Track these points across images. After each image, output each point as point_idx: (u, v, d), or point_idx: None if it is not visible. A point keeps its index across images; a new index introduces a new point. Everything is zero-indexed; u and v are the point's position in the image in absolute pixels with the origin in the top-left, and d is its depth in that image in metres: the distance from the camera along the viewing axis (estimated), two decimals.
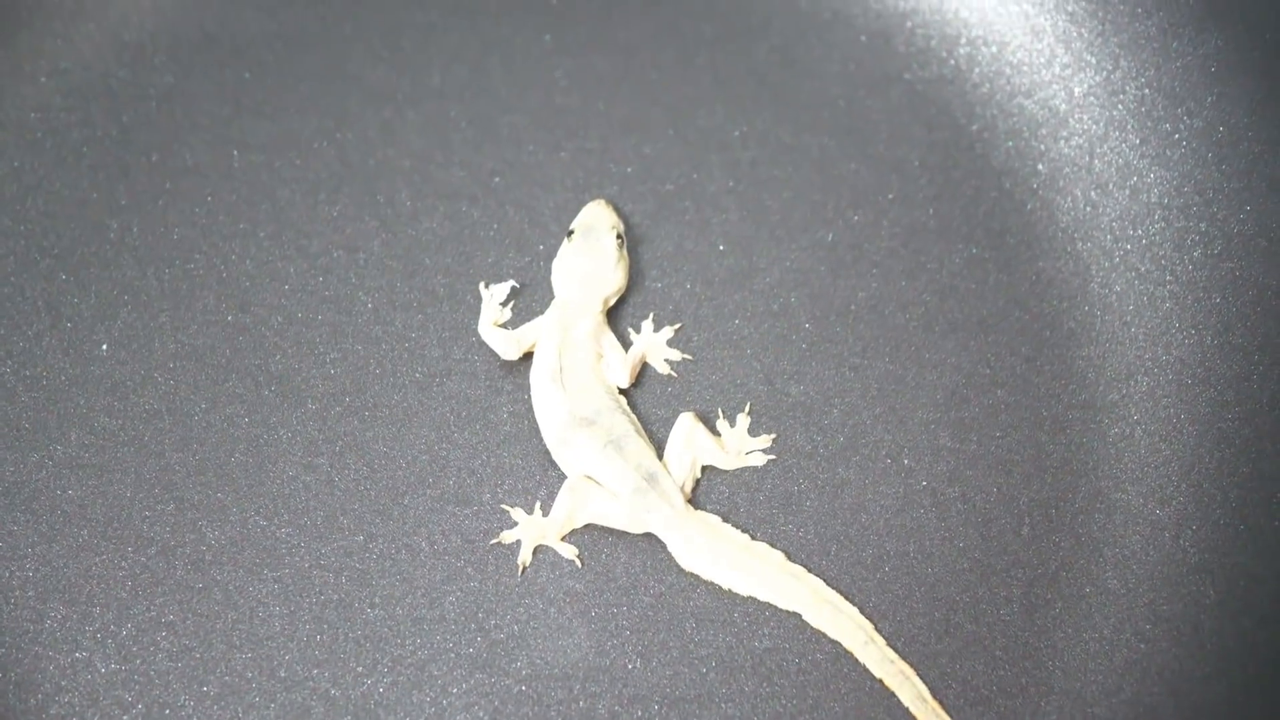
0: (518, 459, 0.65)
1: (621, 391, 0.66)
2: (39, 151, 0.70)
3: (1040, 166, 0.70)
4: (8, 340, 0.67)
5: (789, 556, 0.65)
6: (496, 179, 0.72)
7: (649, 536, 0.64)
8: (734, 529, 0.64)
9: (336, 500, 0.65)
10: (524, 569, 0.65)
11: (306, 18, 0.76)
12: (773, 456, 0.67)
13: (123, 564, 0.64)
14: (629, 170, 0.70)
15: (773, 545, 0.65)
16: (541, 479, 0.66)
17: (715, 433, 0.66)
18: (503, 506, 0.65)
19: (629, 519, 0.64)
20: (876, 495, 0.66)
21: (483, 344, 0.68)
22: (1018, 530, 0.64)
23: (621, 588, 0.62)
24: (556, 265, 0.68)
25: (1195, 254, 0.68)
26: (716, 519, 0.64)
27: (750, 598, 0.64)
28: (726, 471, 0.66)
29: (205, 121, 0.71)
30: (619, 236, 0.68)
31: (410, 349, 0.67)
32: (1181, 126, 0.70)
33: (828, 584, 0.64)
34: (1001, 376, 0.67)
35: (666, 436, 0.66)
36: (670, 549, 0.64)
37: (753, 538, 0.65)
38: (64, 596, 0.64)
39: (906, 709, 0.62)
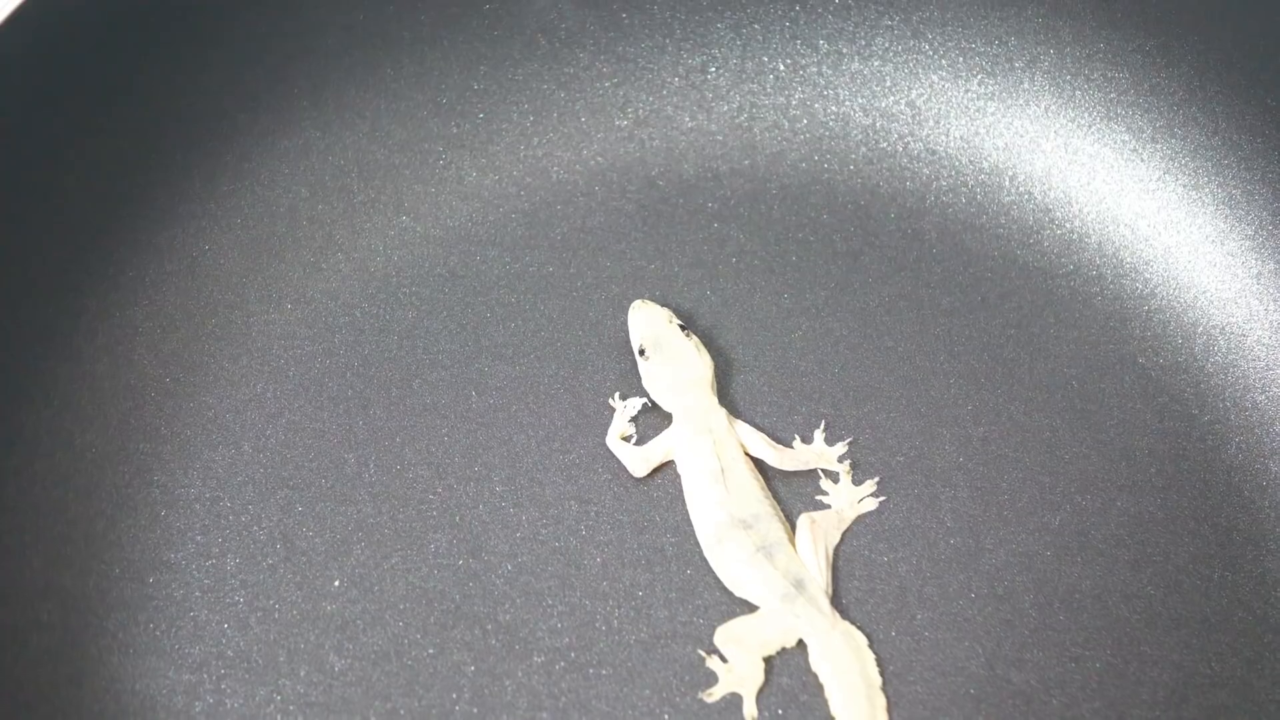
0: None
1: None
2: (281, 380, 0.72)
3: (1271, 465, 0.70)
4: (243, 570, 0.68)
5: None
6: None
7: None
8: (873, 659, 0.66)
9: None
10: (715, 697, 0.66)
11: (548, 260, 0.77)
12: (883, 498, 0.70)
13: None
14: (861, 438, 0.70)
15: None
16: None
17: (825, 505, 0.69)
18: (707, 665, 0.67)
19: (781, 631, 0.66)
20: None
21: (708, 607, 0.69)
22: None
23: None
24: (652, 387, 0.71)
25: None
26: (863, 638, 0.66)
27: None
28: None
29: (445, 360, 0.72)
30: (681, 327, 0.71)
31: (636, 608, 0.67)
32: None
33: None
34: (1222, 677, 0.67)
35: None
36: (810, 652, 0.66)
37: None
38: None
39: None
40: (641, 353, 0.71)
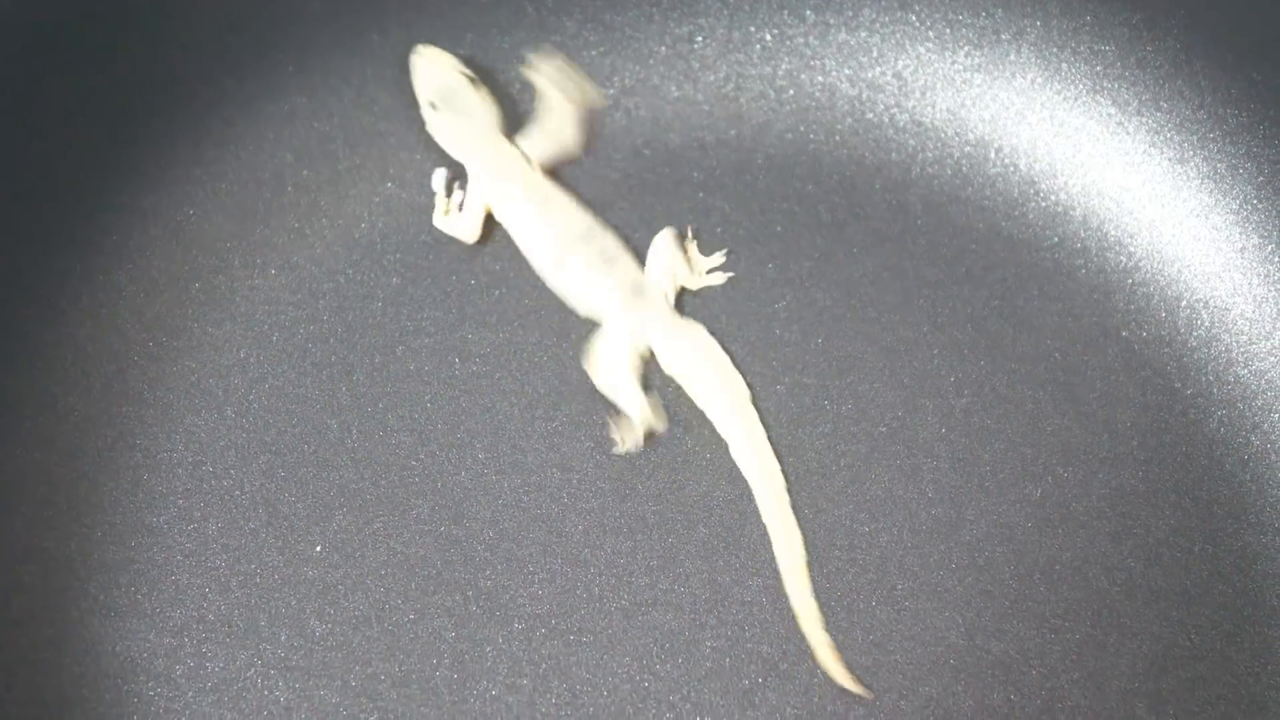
0: (718, 696, 0.65)
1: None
2: (265, 345, 0.72)
3: (1253, 439, 0.70)
4: (224, 534, 0.68)
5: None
6: None
7: None
8: (719, 346, 0.70)
9: None
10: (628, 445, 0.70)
11: None
12: (732, 274, 0.72)
13: None
14: (844, 409, 0.71)
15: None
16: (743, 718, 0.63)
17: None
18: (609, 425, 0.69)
19: (630, 340, 0.69)
20: None
21: (688, 575, 0.69)
22: None
23: None
24: (441, 138, 0.73)
25: None
26: (704, 330, 0.70)
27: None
28: None
29: (429, 326, 0.72)
30: (468, 77, 0.72)
31: (618, 575, 0.67)
32: None
33: None
34: (1201, 650, 0.67)
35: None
36: (658, 355, 0.69)
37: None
38: None
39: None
40: (431, 105, 0.72)
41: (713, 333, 0.74)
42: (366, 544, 0.69)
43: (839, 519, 0.71)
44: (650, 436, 0.70)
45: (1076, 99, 0.79)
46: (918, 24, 0.80)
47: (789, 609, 0.69)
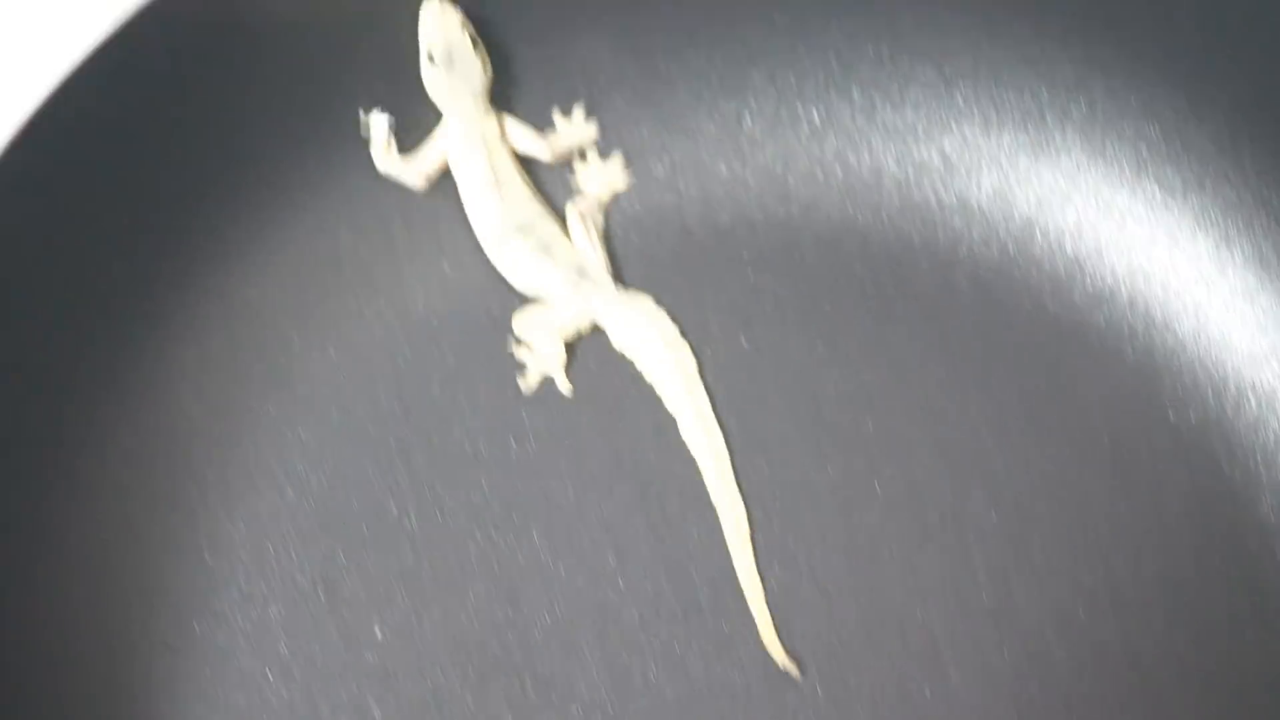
0: None
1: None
2: (325, 426, 0.73)
3: None
4: (286, 618, 0.69)
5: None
6: None
7: None
8: (667, 317, 0.72)
9: None
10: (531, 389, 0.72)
11: None
12: (630, 179, 0.74)
13: None
14: (894, 492, 0.71)
15: None
16: None
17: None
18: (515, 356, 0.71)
19: (574, 317, 0.71)
20: None
21: (742, 658, 0.70)
22: None
23: None
24: (432, 89, 0.73)
25: None
26: (651, 300, 0.72)
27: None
28: None
29: (485, 407, 0.73)
30: (471, 37, 0.73)
31: (674, 663, 0.68)
32: None
33: None
34: None
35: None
36: (608, 331, 0.71)
37: None
38: None
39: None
40: (430, 58, 0.74)
41: (760, 413, 0.74)
42: (425, 628, 0.71)
43: (890, 603, 0.72)
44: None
45: (1122, 180, 0.79)
46: (963, 104, 0.80)
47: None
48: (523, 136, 0.76)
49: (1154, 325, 0.77)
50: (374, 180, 0.78)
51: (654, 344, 0.71)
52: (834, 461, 0.74)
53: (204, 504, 0.73)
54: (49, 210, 0.72)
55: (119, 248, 0.74)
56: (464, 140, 0.75)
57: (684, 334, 0.75)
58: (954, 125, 0.80)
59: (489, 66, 0.75)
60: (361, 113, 0.75)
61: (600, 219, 0.74)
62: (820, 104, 0.81)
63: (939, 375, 0.76)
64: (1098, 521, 0.72)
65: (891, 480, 0.74)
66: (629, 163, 0.79)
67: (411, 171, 0.75)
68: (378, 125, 0.75)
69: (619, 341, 0.71)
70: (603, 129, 0.79)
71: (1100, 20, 0.76)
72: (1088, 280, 0.78)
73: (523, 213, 0.72)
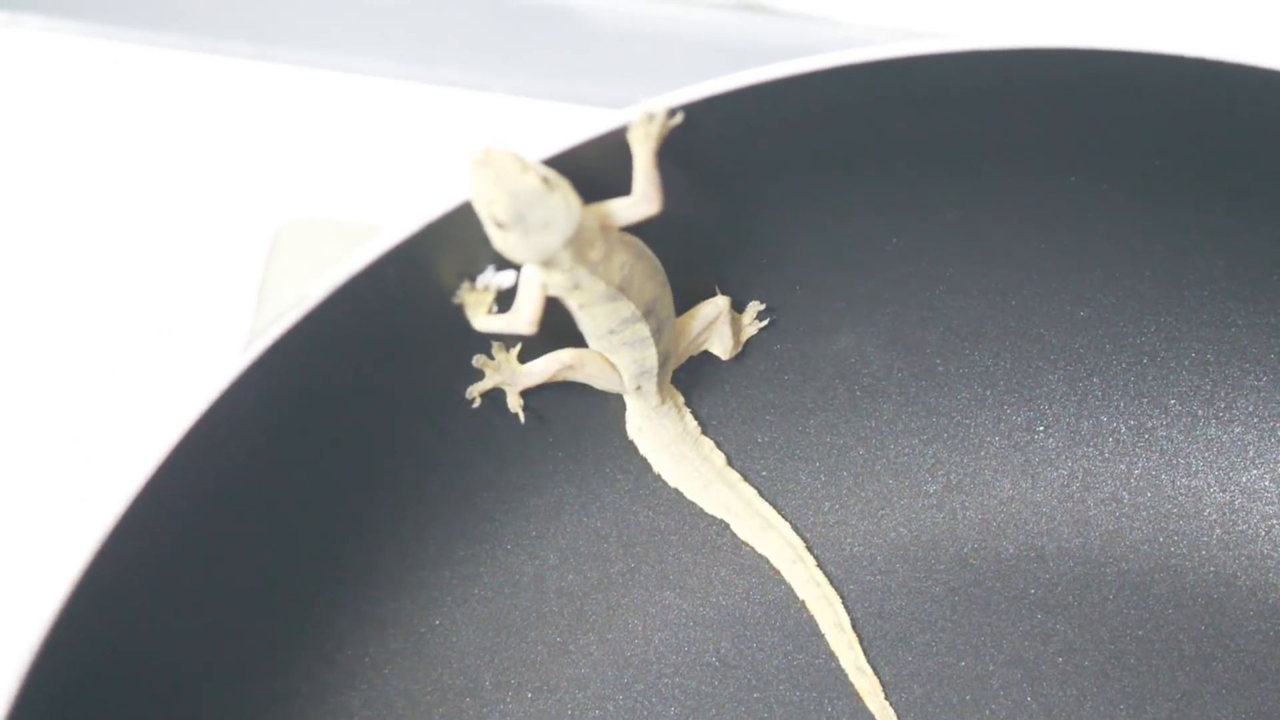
0: None
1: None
2: None
3: None
4: None
5: (730, 462, 0.65)
6: None
7: None
8: (691, 416, 0.65)
9: None
10: (476, 402, 0.63)
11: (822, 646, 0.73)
12: (765, 324, 0.67)
13: None
14: None
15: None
16: None
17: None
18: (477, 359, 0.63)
19: (606, 384, 0.64)
20: None
21: None
22: None
23: None
24: (517, 256, 0.61)
25: None
26: (680, 399, 0.65)
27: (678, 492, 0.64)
28: None
29: None
30: (544, 180, 0.58)
31: None
32: None
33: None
34: None
35: None
36: (628, 416, 0.64)
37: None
38: None
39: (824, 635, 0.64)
40: (499, 225, 0.58)
41: None
42: None
43: None
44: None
45: None
46: None
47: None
48: (624, 209, 0.64)
49: None
50: (586, 490, 0.71)
51: (666, 452, 0.68)
52: None
53: None
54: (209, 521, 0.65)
55: (280, 568, 0.68)
56: (563, 276, 0.62)
57: (957, 682, 0.69)
58: None
59: (575, 198, 0.60)
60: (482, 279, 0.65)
61: (721, 343, 0.67)
62: (1129, 415, 0.73)
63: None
64: None
65: None
66: (898, 478, 0.73)
67: (518, 320, 0.63)
68: (486, 281, 0.64)
69: (633, 433, 0.67)
70: (864, 438, 0.73)
71: None
72: None
73: (645, 301, 0.64)
